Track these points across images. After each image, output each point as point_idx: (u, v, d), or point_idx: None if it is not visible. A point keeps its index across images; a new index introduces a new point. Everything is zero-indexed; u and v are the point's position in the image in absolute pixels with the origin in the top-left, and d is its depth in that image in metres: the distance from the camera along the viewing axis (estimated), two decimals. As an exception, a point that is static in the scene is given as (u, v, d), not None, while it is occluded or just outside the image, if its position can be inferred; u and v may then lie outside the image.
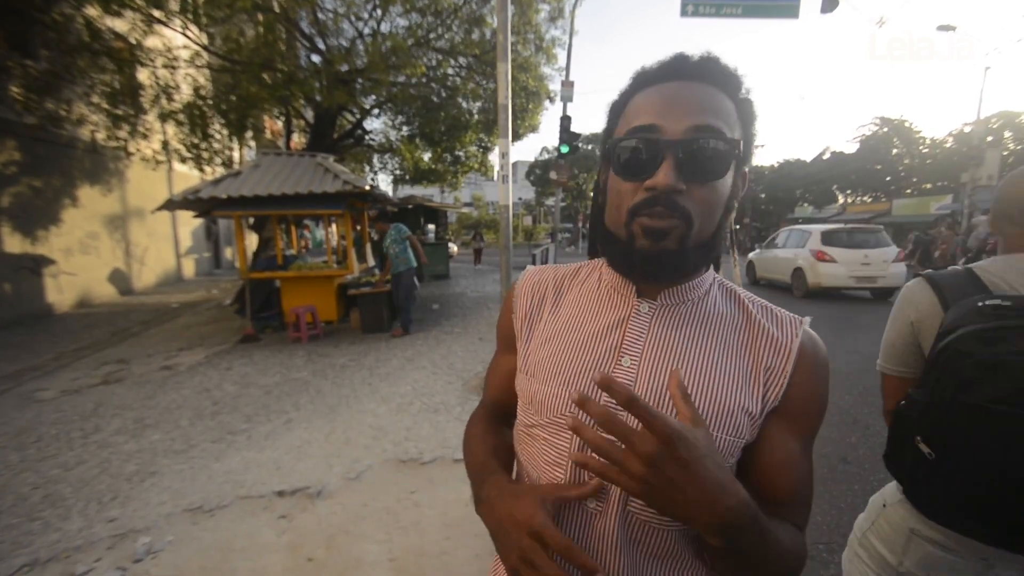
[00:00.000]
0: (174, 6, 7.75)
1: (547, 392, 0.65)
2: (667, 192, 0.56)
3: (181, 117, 8.72)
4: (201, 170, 9.45)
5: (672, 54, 0.62)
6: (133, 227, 10.91)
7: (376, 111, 11.19)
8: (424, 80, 9.71)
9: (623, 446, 0.45)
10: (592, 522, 0.61)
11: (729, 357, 0.62)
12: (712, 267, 0.69)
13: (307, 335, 6.44)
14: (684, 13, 8.54)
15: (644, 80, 0.62)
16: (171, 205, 7.05)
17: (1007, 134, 24.19)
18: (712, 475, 0.45)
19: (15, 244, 7.80)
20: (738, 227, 32.87)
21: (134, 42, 8.10)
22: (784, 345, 0.62)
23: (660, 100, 0.58)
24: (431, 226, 15.14)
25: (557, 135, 10.43)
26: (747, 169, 0.65)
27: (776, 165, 35.96)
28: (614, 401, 0.44)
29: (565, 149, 10.45)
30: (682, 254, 0.58)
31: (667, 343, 0.62)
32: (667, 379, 0.60)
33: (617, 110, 0.65)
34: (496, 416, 0.82)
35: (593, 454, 0.47)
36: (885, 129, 28.76)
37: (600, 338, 0.65)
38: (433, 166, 12.99)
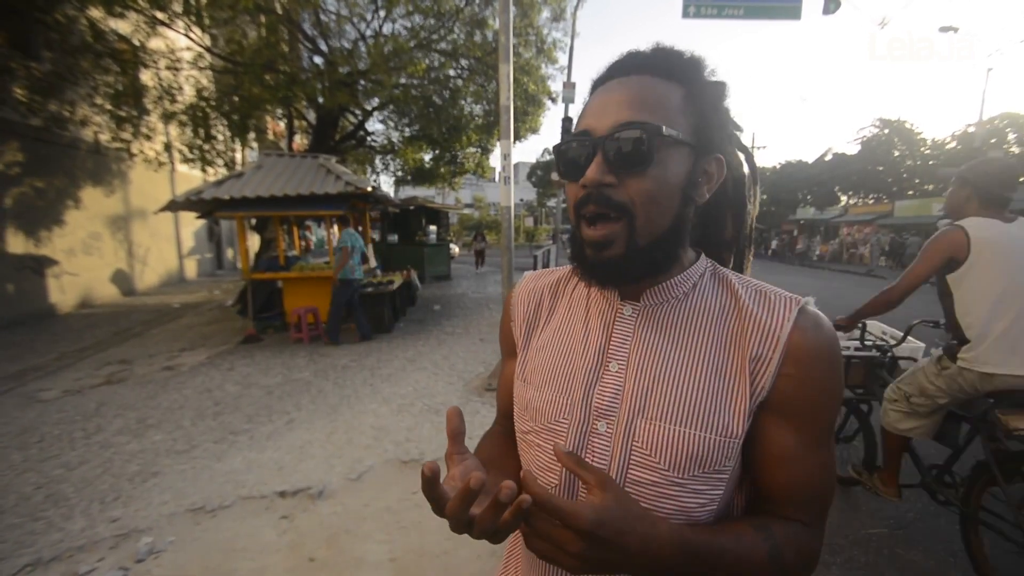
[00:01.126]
0: (177, 8, 7.78)
1: (541, 398, 0.66)
2: (596, 186, 0.57)
3: (184, 118, 8.75)
4: (204, 171, 9.48)
5: (623, 53, 0.63)
6: (135, 228, 10.93)
7: (378, 112, 11.21)
8: (426, 81, 9.73)
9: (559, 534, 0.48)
10: None
11: (716, 354, 0.59)
12: (703, 255, 0.66)
13: (308, 335, 6.45)
14: (686, 14, 8.54)
15: (594, 85, 0.64)
16: (174, 206, 7.07)
17: (1011, 136, 24.11)
18: (634, 539, 0.49)
19: (18, 244, 7.83)
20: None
21: (137, 43, 8.13)
22: (773, 331, 0.58)
23: (596, 103, 0.60)
24: (433, 227, 15.15)
25: (559, 136, 10.44)
26: (723, 156, 0.62)
27: (778, 166, 35.86)
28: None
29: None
30: (629, 258, 0.58)
31: (652, 347, 0.61)
32: (654, 384, 0.59)
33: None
34: (509, 431, 0.78)
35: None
36: (886, 131, 28.71)
37: (587, 343, 0.65)
38: (435, 166, 13.01)
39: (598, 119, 0.58)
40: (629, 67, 0.61)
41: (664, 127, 0.55)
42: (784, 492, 0.59)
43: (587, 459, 0.61)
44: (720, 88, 0.62)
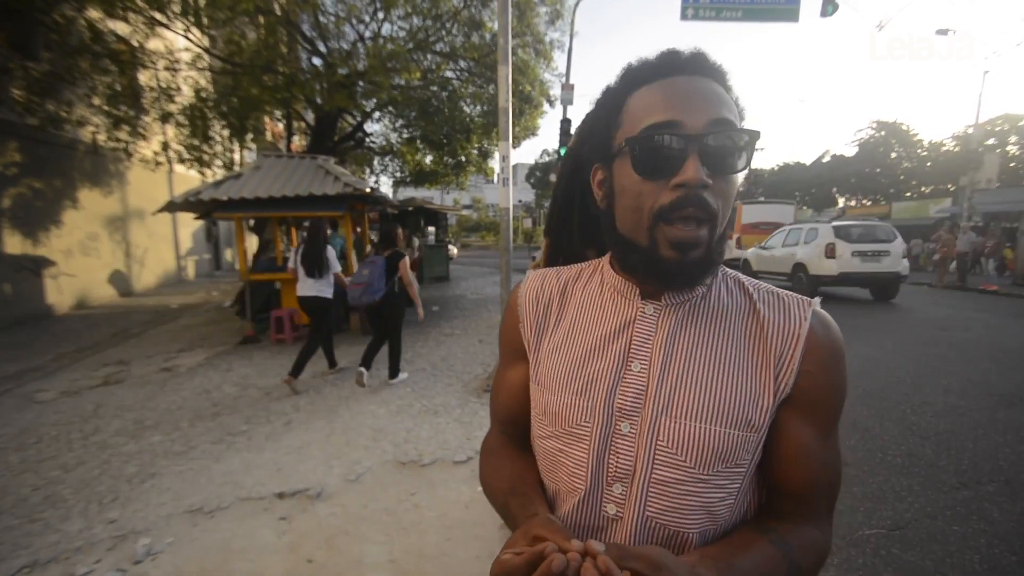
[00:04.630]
0: (176, 8, 7.78)
1: (560, 402, 0.64)
2: (697, 188, 0.54)
3: (182, 119, 8.75)
4: (202, 172, 9.47)
5: (664, 50, 0.60)
6: (133, 228, 10.92)
7: (377, 114, 11.22)
8: (423, 83, 9.75)
9: None
10: (610, 528, 0.61)
11: (739, 351, 0.60)
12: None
13: (292, 336, 6.52)
14: (684, 16, 8.58)
15: (641, 77, 0.60)
16: (172, 207, 7.06)
17: (1012, 139, 24.19)
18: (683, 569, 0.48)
19: (16, 245, 7.81)
20: None
21: (136, 44, 8.13)
22: (792, 331, 0.60)
23: (672, 95, 0.56)
24: (431, 228, 15.18)
25: (557, 137, 10.46)
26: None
27: (776, 168, 35.97)
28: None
29: (565, 151, 10.46)
30: (709, 260, 0.57)
31: (675, 344, 0.61)
32: (678, 382, 0.59)
33: (614, 109, 0.62)
34: (513, 438, 0.76)
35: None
36: (882, 132, 28.83)
37: (608, 344, 0.64)
38: (435, 168, 13.02)
39: (686, 114, 0.54)
40: (689, 66, 0.58)
41: (759, 131, 0.56)
42: (802, 488, 0.60)
43: (611, 461, 0.60)
44: (740, 102, 0.62)
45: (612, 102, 0.62)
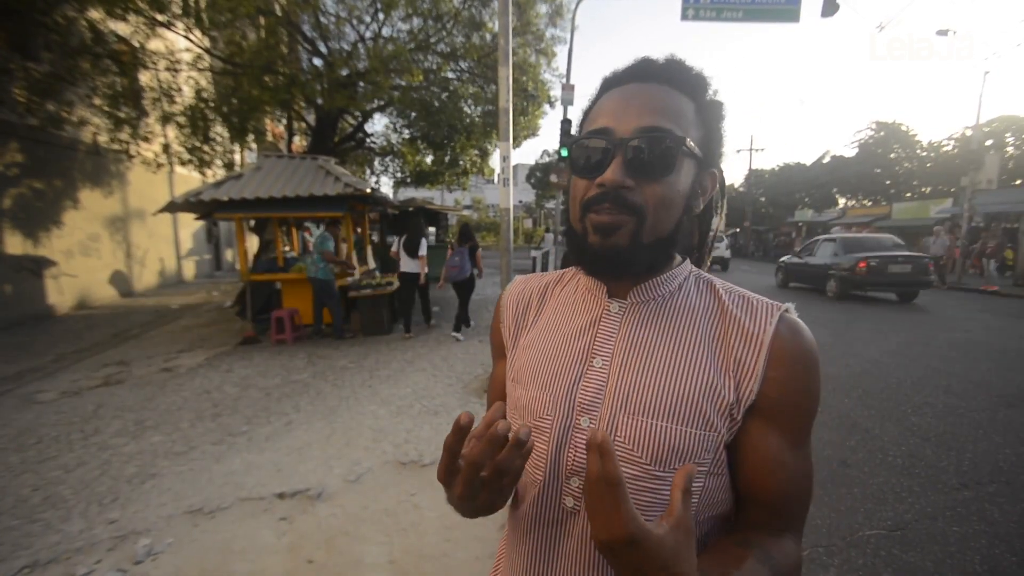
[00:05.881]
0: (177, 9, 7.79)
1: (527, 396, 0.66)
2: (614, 188, 0.57)
3: (183, 120, 8.75)
4: (202, 172, 9.47)
5: (635, 59, 0.65)
6: (134, 229, 10.92)
7: (378, 114, 11.22)
8: (424, 84, 9.75)
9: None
10: (569, 521, 0.61)
11: (700, 350, 0.60)
12: (688, 259, 0.69)
13: (292, 336, 6.52)
14: (685, 17, 8.59)
15: (607, 85, 0.65)
16: (172, 207, 7.07)
17: (1008, 139, 24.15)
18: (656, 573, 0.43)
19: (16, 245, 7.81)
20: (738, 230, 32.67)
21: (137, 45, 8.13)
22: (755, 336, 0.59)
23: (615, 102, 0.61)
24: (432, 228, 15.18)
25: (557, 138, 10.47)
26: (716, 171, 0.65)
27: (776, 168, 35.92)
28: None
29: (565, 152, 10.47)
30: (633, 250, 0.59)
31: (636, 341, 0.62)
32: (637, 379, 0.60)
33: (586, 114, 0.67)
34: None
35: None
36: (882, 133, 28.79)
37: (573, 340, 0.66)
38: (435, 168, 13.03)
39: (619, 120, 0.59)
40: (647, 74, 0.62)
41: (687, 138, 0.58)
42: (775, 497, 0.59)
43: (568, 455, 0.61)
44: (721, 107, 0.65)
45: (588, 108, 0.67)
